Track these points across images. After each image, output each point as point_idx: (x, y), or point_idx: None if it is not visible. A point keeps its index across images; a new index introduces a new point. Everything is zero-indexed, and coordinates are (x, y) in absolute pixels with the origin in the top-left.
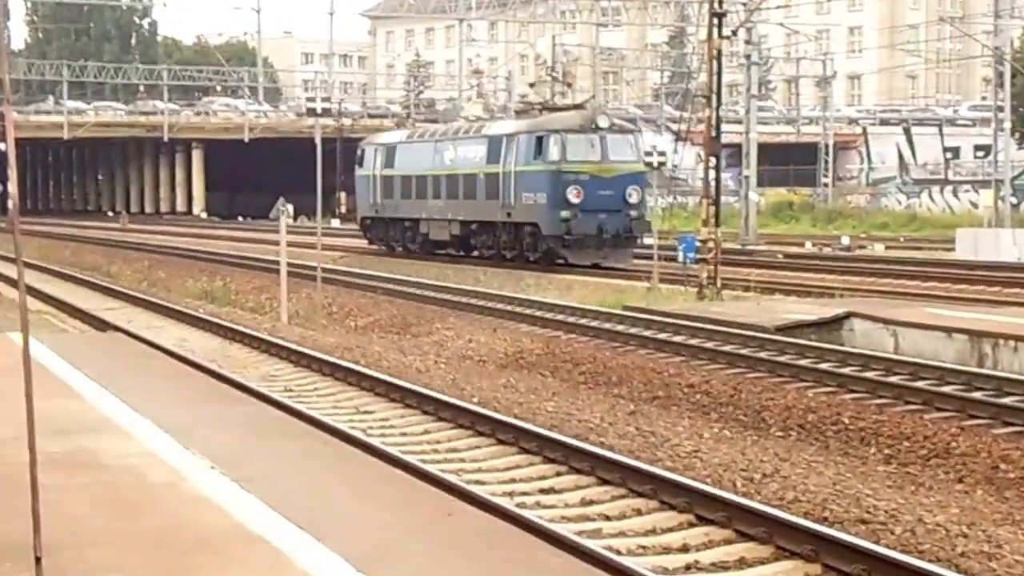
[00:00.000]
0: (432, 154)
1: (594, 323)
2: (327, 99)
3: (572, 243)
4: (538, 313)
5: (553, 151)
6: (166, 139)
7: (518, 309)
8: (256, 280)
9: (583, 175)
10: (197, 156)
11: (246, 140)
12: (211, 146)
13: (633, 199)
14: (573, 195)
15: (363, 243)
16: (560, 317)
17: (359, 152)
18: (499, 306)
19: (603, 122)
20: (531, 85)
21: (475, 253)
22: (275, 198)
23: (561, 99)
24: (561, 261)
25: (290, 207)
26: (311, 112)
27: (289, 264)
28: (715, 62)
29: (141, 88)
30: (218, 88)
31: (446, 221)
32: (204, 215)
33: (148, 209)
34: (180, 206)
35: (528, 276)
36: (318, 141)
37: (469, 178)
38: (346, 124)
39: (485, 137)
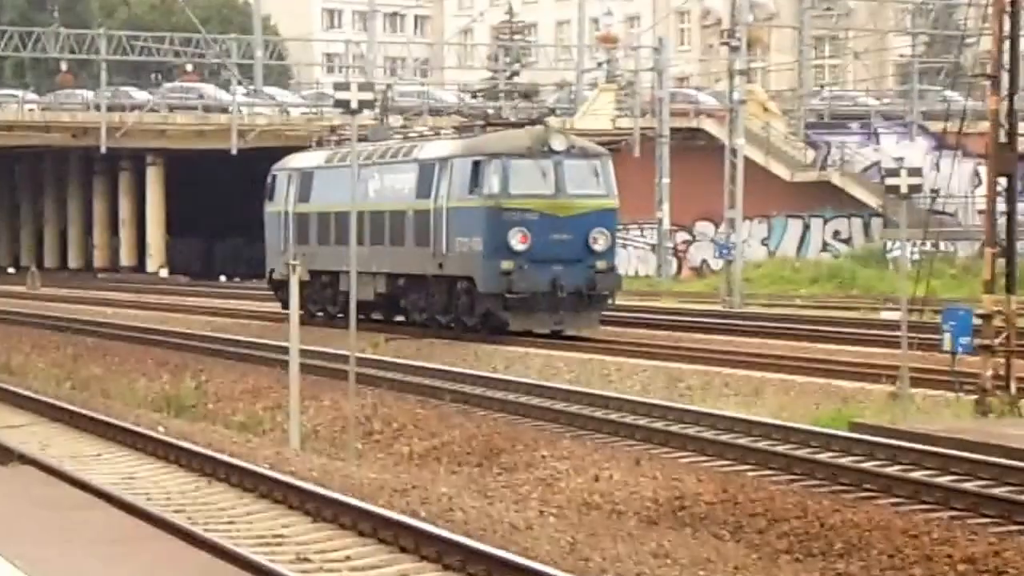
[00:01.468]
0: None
1: (801, 451)
2: (366, 85)
3: (516, 304)
4: (707, 434)
5: (492, 181)
6: (103, 150)
7: (675, 427)
8: (249, 378)
9: (531, 213)
10: (154, 177)
11: (234, 152)
12: (176, 161)
13: (599, 245)
14: (517, 240)
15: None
16: (744, 441)
17: (269, 181)
18: (642, 421)
19: (558, 143)
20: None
21: (403, 318)
22: None
23: (511, 108)
24: (521, 330)
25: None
26: (340, 106)
27: (304, 352)
28: (1007, 16)
29: (63, 67)
30: (189, 67)
31: (370, 275)
32: (164, 272)
33: (74, 263)
34: (126, 258)
35: (690, 372)
36: (354, 160)
37: (396, 217)
38: (395, 124)
39: (415, 162)
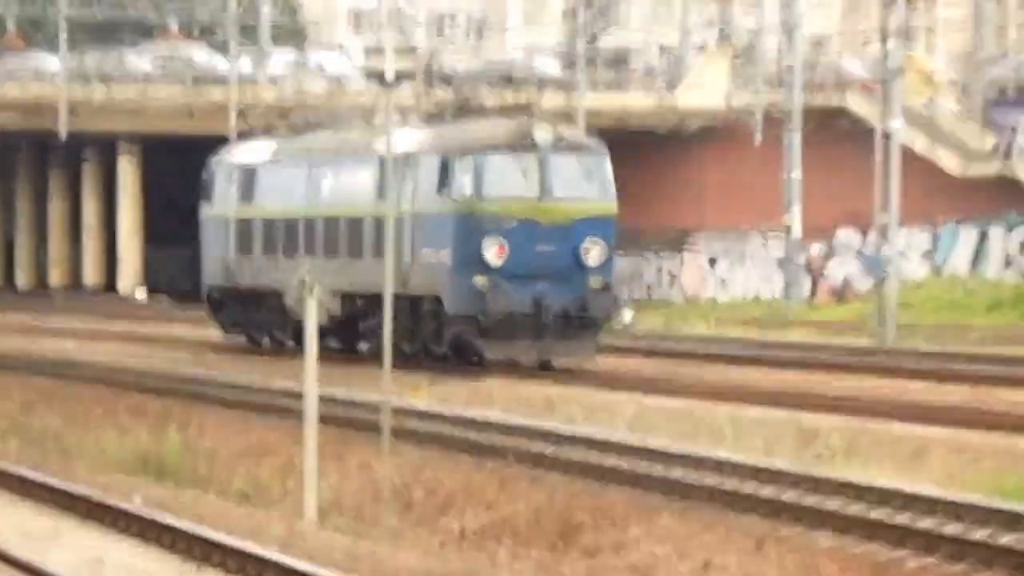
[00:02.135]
0: (306, 182)
1: (978, 533)
2: (408, 48)
3: (491, 328)
4: (853, 509)
5: (463, 181)
6: (63, 135)
7: (810, 500)
8: (252, 431)
9: (510, 220)
10: (128, 171)
11: (232, 137)
12: (157, 150)
13: (592, 258)
14: (493, 252)
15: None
16: (902, 519)
17: (205, 176)
18: (766, 491)
19: (544, 135)
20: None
21: (363, 346)
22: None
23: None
24: (500, 360)
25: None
26: (373, 78)
27: (324, 399)
28: None
29: (9, 28)
30: (174, 26)
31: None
32: (140, 293)
33: (23, 282)
34: (91, 275)
35: (829, 427)
36: (388, 144)
37: (353, 224)
38: (444, 98)
39: (375, 157)
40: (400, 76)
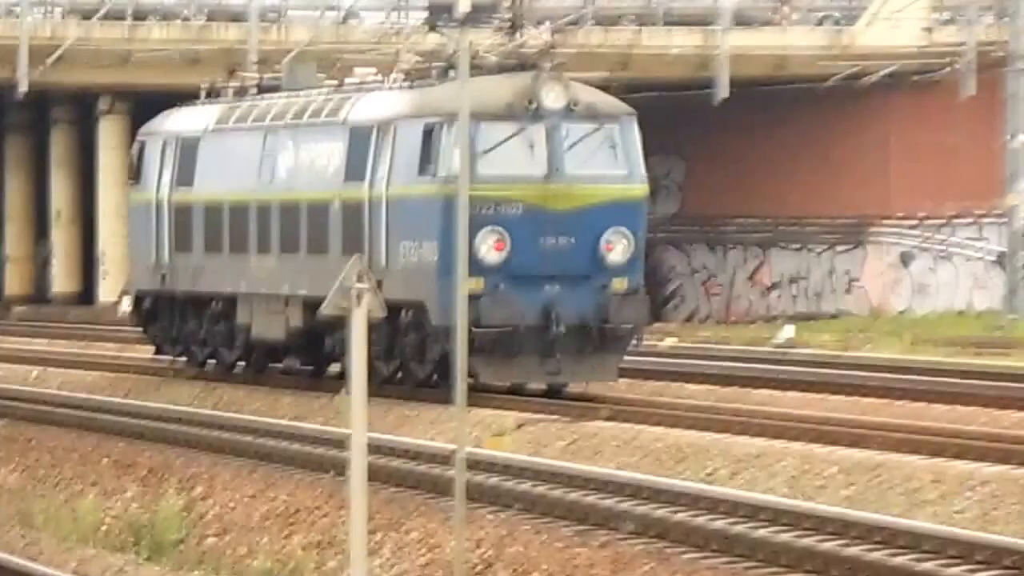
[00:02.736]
0: (260, 157)
1: None
2: None
3: (487, 344)
4: None
5: (451, 156)
6: (22, 87)
7: None
8: (276, 490)
9: (511, 206)
10: (111, 136)
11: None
12: (149, 109)
13: (617, 254)
14: (489, 246)
15: None
16: None
17: (134, 152)
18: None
19: (554, 99)
20: None
21: (335, 368)
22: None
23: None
24: (498, 384)
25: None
26: (434, 15)
27: (375, 448)
28: None
29: None
30: None
31: (280, 301)
32: (128, 303)
33: None
34: (61, 281)
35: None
36: (464, 109)
37: (317, 211)
38: (535, 42)
39: (343, 126)
40: (474, 12)
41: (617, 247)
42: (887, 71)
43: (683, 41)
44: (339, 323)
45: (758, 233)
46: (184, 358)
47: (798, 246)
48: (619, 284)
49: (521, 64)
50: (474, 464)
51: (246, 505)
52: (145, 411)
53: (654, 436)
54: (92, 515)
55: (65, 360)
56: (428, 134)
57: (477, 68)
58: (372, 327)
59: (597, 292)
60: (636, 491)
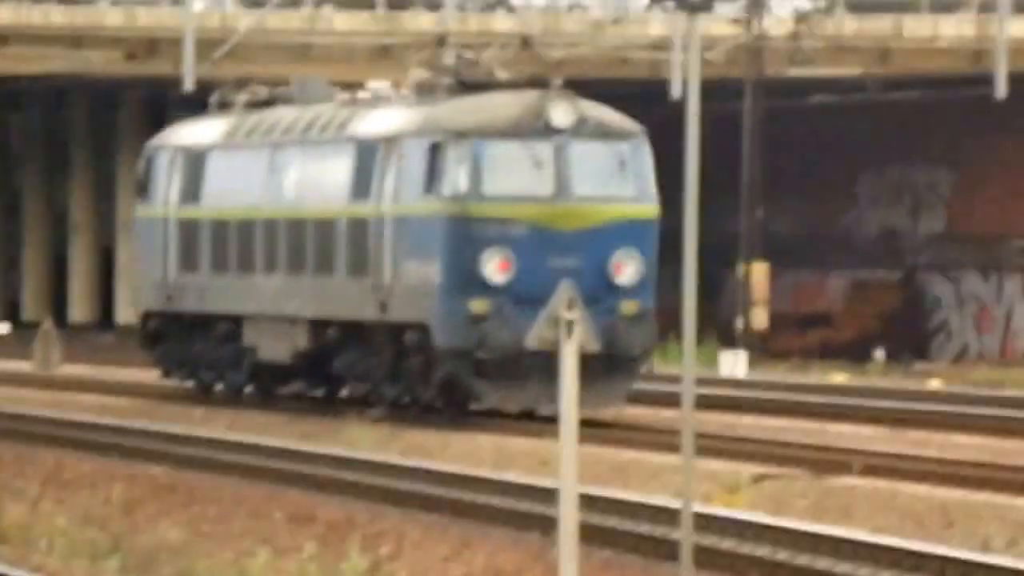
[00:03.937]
0: (266, 173)
1: None
2: None
3: (492, 368)
4: None
5: (457, 175)
6: (187, 87)
7: None
8: (474, 550)
9: (517, 225)
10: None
11: (187, 88)
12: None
13: (625, 276)
14: (495, 266)
15: None
16: None
17: (142, 166)
18: None
19: (562, 117)
20: None
21: (344, 392)
22: None
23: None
24: (501, 409)
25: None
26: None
27: (587, 503)
28: None
29: None
30: None
31: (285, 322)
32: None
33: None
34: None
35: None
36: (690, 98)
37: (323, 229)
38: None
39: (351, 141)
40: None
41: (626, 268)
42: None
43: (953, 30)
44: (347, 343)
45: None
46: (191, 381)
47: (948, 275)
48: (629, 307)
49: (531, 82)
50: (704, 524)
51: (440, 569)
52: (324, 458)
53: (916, 495)
54: None
55: (234, 397)
56: (434, 150)
57: (485, 85)
58: (377, 347)
59: (605, 315)
60: (896, 559)
